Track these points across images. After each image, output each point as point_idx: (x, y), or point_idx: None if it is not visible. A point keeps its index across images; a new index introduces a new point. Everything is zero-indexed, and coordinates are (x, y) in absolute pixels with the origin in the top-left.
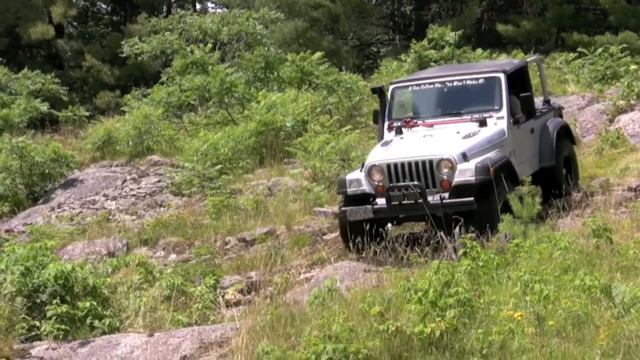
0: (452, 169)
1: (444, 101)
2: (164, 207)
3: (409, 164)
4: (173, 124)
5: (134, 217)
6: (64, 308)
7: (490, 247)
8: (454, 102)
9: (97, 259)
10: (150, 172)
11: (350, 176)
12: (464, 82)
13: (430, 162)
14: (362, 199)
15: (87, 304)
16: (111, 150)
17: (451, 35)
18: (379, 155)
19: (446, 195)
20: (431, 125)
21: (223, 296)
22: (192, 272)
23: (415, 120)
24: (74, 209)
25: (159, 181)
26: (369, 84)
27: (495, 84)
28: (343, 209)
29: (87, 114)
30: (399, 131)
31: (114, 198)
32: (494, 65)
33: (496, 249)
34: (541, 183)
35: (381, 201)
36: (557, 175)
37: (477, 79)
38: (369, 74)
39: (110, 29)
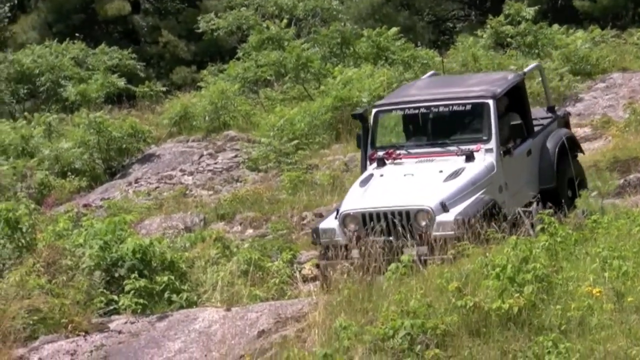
0: (431, 219)
1: (429, 129)
2: (241, 182)
3: (385, 214)
4: (249, 99)
5: (210, 192)
6: (142, 282)
7: (568, 223)
8: (440, 130)
9: (174, 233)
10: (227, 147)
11: (323, 225)
12: (451, 107)
13: (407, 213)
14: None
15: (165, 279)
16: (188, 126)
17: (528, 11)
18: (354, 200)
19: (424, 249)
20: (416, 157)
21: (300, 271)
22: (269, 247)
23: (398, 152)
24: (151, 183)
25: (236, 156)
26: (446, 60)
27: (483, 111)
28: (317, 262)
29: (164, 89)
30: (381, 163)
31: (191, 173)
32: (484, 85)
33: (574, 225)
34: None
35: (356, 252)
36: (560, 196)
37: (464, 104)
38: (444, 50)
39: (186, 4)
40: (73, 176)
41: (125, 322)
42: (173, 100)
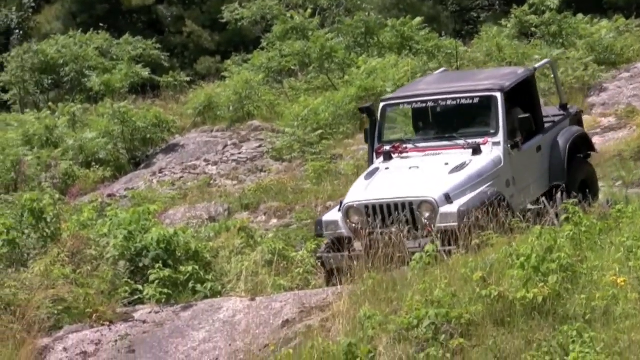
0: (434, 212)
1: (437, 122)
2: (265, 172)
3: (388, 206)
4: (273, 89)
5: (234, 182)
6: (167, 272)
7: (592, 212)
8: (447, 124)
9: (198, 223)
10: (251, 137)
11: (327, 217)
12: (458, 100)
13: (411, 204)
14: (342, 240)
15: (189, 268)
16: (212, 116)
17: (552, 1)
18: (358, 193)
19: (427, 241)
20: (422, 151)
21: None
22: (293, 237)
23: (405, 146)
24: (175, 173)
25: (260, 146)
26: (470, 50)
27: (491, 104)
28: (319, 255)
29: (188, 79)
30: (387, 157)
31: (215, 163)
32: (493, 79)
33: (598, 215)
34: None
35: (359, 245)
36: (570, 194)
37: (472, 97)
38: (469, 40)
39: None
40: (97, 166)
41: (150, 312)
42: (197, 90)
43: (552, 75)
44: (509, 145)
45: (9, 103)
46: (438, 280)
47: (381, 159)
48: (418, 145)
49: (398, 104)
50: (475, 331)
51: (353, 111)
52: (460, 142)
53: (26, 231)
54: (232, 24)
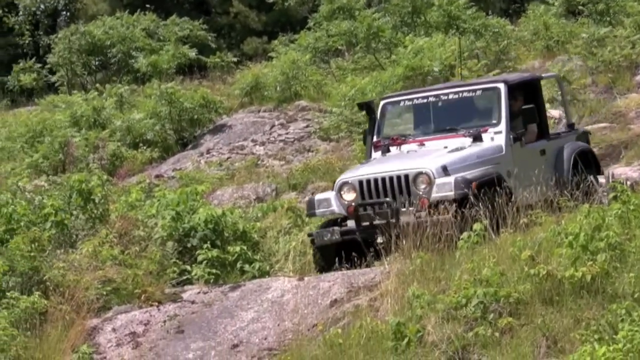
0: (430, 184)
1: (438, 116)
2: (312, 152)
3: (383, 179)
4: (320, 69)
5: (282, 162)
6: (215, 252)
7: None
8: (449, 117)
9: (246, 203)
10: (298, 117)
11: (319, 196)
12: (461, 94)
13: (406, 176)
14: (336, 220)
15: (237, 249)
16: (259, 96)
17: None
18: (352, 172)
19: (423, 214)
20: (422, 143)
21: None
22: None
23: (404, 138)
24: (222, 154)
25: (307, 126)
26: (516, 29)
27: (494, 96)
28: (310, 232)
29: (235, 60)
30: (386, 150)
31: (262, 143)
32: (497, 77)
33: None
34: None
35: (352, 223)
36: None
37: (475, 90)
38: (516, 18)
39: None
40: (145, 147)
41: (198, 292)
42: (244, 71)
43: (560, 93)
44: (512, 137)
45: (56, 85)
46: (486, 260)
47: (379, 152)
48: (417, 138)
49: (399, 102)
50: (523, 310)
51: (400, 90)
52: (461, 132)
53: (75, 212)
54: (279, 4)
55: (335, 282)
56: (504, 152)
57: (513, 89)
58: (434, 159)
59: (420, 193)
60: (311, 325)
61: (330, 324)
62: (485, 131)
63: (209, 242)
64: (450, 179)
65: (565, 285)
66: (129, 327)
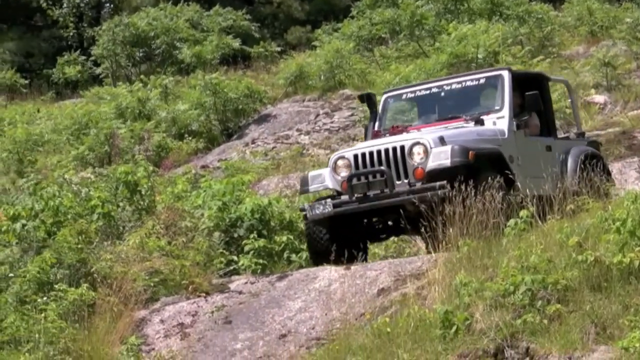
0: (426, 153)
1: (441, 107)
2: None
3: (378, 152)
4: (364, 57)
5: (327, 151)
6: (261, 242)
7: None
8: (452, 107)
9: (292, 193)
10: (343, 106)
11: (313, 172)
12: (464, 84)
13: (402, 147)
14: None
15: (284, 238)
16: (303, 85)
17: None
18: (347, 148)
19: (418, 184)
20: (421, 130)
21: None
22: None
23: (405, 127)
24: (267, 144)
25: (352, 115)
26: (560, 15)
27: (497, 83)
28: (301, 207)
29: (279, 49)
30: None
31: (307, 132)
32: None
33: None
34: None
35: (346, 198)
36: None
37: (478, 79)
38: (559, 4)
39: None
40: (190, 138)
41: (246, 283)
42: (288, 60)
43: (570, 100)
44: (515, 124)
45: (101, 76)
46: (533, 246)
47: None
48: (418, 125)
49: (401, 95)
50: (572, 297)
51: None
52: (463, 117)
53: (121, 204)
54: None
55: (382, 270)
56: (506, 136)
57: (518, 81)
58: (431, 132)
59: (416, 164)
60: (359, 314)
61: (378, 312)
62: (487, 115)
63: (255, 232)
64: (447, 148)
65: (613, 271)
66: (177, 318)
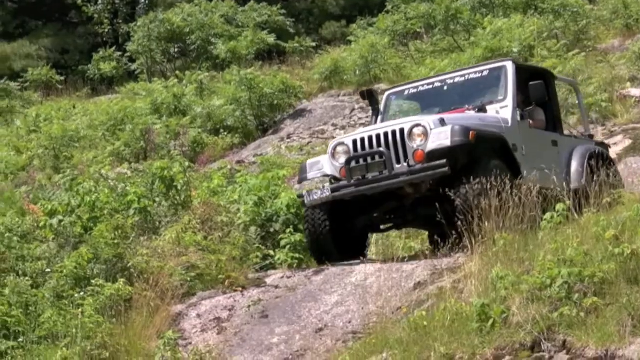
0: (426, 135)
1: (444, 100)
2: None
3: (378, 136)
4: (399, 52)
5: None
6: (298, 237)
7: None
8: (454, 100)
9: None
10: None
11: (311, 160)
12: (467, 77)
13: (402, 130)
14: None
15: None
16: (338, 80)
17: None
18: (346, 135)
19: (418, 168)
20: None
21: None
22: None
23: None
24: (303, 138)
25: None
26: (595, 8)
27: (501, 74)
28: (299, 193)
29: (314, 44)
30: None
31: (343, 127)
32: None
33: None
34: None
35: (344, 183)
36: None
37: (482, 71)
38: None
39: None
40: (225, 133)
41: (282, 277)
42: (323, 55)
43: (577, 102)
44: (519, 114)
45: (136, 72)
46: (570, 240)
47: None
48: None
49: (403, 91)
50: (608, 289)
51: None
52: (465, 107)
53: (157, 199)
54: None
55: (419, 264)
56: (509, 125)
57: (524, 75)
58: (432, 116)
59: (415, 146)
60: (395, 308)
61: (414, 306)
62: (490, 103)
63: (291, 227)
64: (447, 128)
65: None
66: (214, 312)
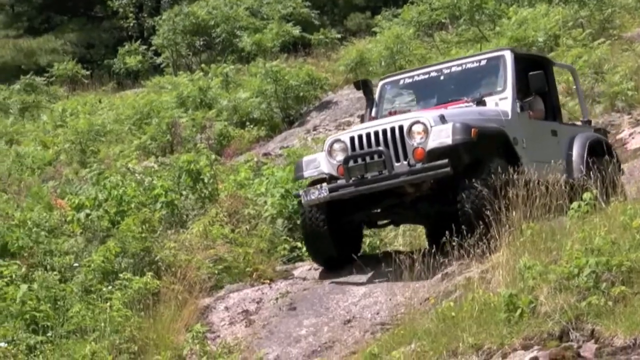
0: (426, 133)
1: (441, 90)
2: None
3: (376, 133)
4: (424, 42)
5: None
6: None
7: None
8: (451, 90)
9: None
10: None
11: (307, 157)
12: (464, 66)
13: (401, 127)
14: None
15: None
16: (364, 71)
17: None
18: (343, 132)
19: (418, 166)
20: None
21: None
22: None
23: (402, 110)
24: (329, 130)
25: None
26: None
27: (500, 64)
28: (295, 192)
29: (339, 36)
30: None
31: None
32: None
33: None
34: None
35: (343, 182)
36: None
37: (479, 61)
38: None
39: None
40: (251, 126)
41: (309, 269)
42: (348, 47)
43: (575, 87)
44: (519, 106)
45: (162, 66)
46: (597, 229)
47: None
48: (417, 110)
49: (398, 81)
50: (636, 278)
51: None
52: (463, 99)
53: (184, 193)
54: None
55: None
56: (509, 117)
57: (520, 63)
58: (432, 112)
59: (415, 144)
60: (423, 299)
61: (442, 297)
62: (489, 95)
63: None
64: (448, 126)
65: None
66: (242, 305)
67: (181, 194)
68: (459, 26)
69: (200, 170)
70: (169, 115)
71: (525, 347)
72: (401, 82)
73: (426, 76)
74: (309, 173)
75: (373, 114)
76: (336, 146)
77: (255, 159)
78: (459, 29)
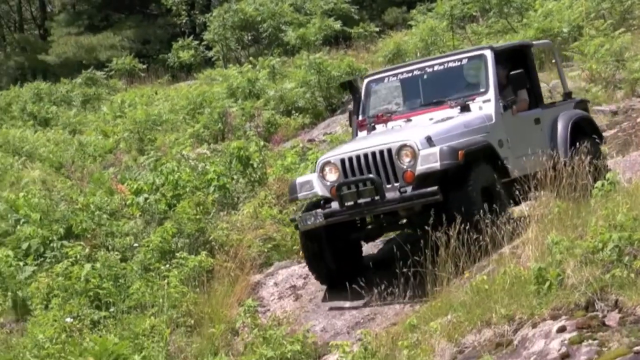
0: (415, 156)
1: (425, 90)
2: None
3: (366, 156)
4: (457, 34)
5: None
6: None
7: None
8: (435, 90)
9: None
10: None
11: (301, 179)
12: (446, 65)
13: (389, 150)
14: (318, 203)
15: None
16: (401, 62)
17: None
18: (334, 151)
19: (408, 189)
20: (408, 118)
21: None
22: None
23: (389, 115)
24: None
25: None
26: None
27: (481, 63)
28: (292, 217)
29: (377, 29)
30: (372, 129)
31: None
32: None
33: None
34: None
35: (336, 205)
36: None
37: (460, 59)
38: None
39: None
40: (297, 114)
41: None
42: (386, 39)
43: (554, 61)
44: (502, 105)
45: (213, 59)
46: (620, 206)
47: (365, 132)
48: (403, 113)
49: (383, 79)
50: None
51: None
52: (448, 103)
53: (235, 177)
54: None
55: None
56: (494, 121)
57: (501, 56)
58: (418, 131)
59: (405, 167)
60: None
61: (476, 271)
62: (473, 100)
63: None
64: (435, 150)
65: None
66: (290, 281)
67: (232, 178)
68: (489, 18)
69: (250, 156)
70: (220, 105)
71: (554, 317)
72: (386, 79)
73: (410, 74)
74: (303, 195)
75: (360, 115)
76: (327, 168)
77: (301, 145)
78: (489, 21)
